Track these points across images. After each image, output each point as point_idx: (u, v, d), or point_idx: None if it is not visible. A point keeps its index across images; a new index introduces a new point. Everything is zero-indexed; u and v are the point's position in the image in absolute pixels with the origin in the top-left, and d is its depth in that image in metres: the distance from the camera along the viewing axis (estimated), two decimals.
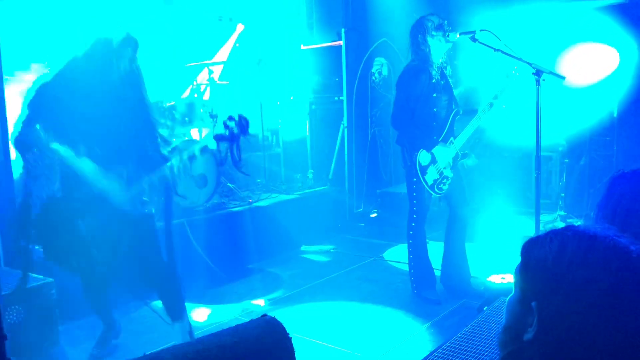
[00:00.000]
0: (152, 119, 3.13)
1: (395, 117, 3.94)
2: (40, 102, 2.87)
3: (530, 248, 1.00)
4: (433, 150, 3.84)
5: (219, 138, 2.96)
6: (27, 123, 2.84)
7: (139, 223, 3.02)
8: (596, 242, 0.93)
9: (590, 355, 0.89)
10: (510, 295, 1.04)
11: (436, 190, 3.87)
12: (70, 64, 2.92)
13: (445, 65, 3.93)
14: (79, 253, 2.94)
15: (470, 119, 3.92)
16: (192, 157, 3.06)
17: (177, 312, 3.20)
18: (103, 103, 2.90)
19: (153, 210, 3.10)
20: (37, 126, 2.84)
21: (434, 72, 3.82)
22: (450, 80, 3.99)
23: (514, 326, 1.00)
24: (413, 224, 4.02)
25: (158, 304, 3.31)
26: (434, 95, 3.84)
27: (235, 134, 2.91)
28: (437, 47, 3.80)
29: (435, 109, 3.87)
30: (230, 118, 2.94)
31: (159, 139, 3.10)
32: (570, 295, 0.91)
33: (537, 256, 0.97)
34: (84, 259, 2.95)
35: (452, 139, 3.91)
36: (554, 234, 0.98)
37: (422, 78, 3.81)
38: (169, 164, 2.99)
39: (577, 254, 0.92)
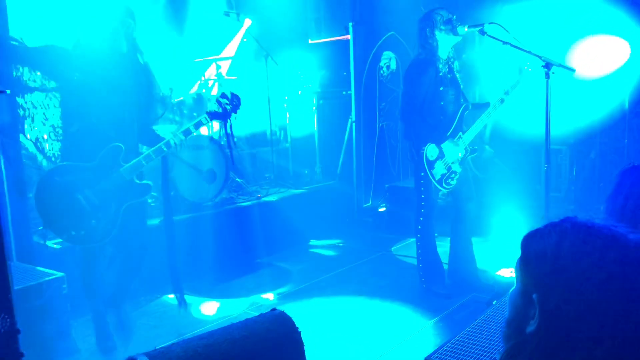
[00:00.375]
0: (155, 91, 3.22)
1: (404, 110, 3.93)
2: (59, 70, 2.97)
3: (530, 241, 1.00)
4: (441, 145, 3.83)
5: (212, 115, 3.04)
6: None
7: (135, 195, 3.07)
8: (593, 232, 0.93)
9: (593, 346, 0.89)
10: (512, 288, 1.04)
11: (444, 185, 3.86)
12: (85, 34, 3.00)
13: (452, 59, 3.91)
14: (78, 224, 2.97)
15: (479, 113, 3.90)
16: (186, 132, 3.10)
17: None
18: (113, 74, 2.97)
19: (151, 184, 3.17)
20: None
21: (440, 66, 3.81)
22: (457, 74, 3.97)
23: (517, 319, 1.01)
24: (421, 219, 4.01)
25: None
26: (441, 88, 3.83)
27: (228, 110, 3.00)
28: (445, 41, 3.78)
29: (442, 103, 3.85)
30: (223, 95, 3.03)
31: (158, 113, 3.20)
32: (570, 286, 0.91)
33: (537, 249, 0.98)
34: (84, 230, 2.98)
35: (460, 133, 3.89)
36: (552, 226, 0.99)
37: (429, 71, 3.79)
38: (165, 140, 3.04)
39: (575, 244, 0.93)
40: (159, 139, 3.14)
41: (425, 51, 3.83)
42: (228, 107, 3.05)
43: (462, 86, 4.00)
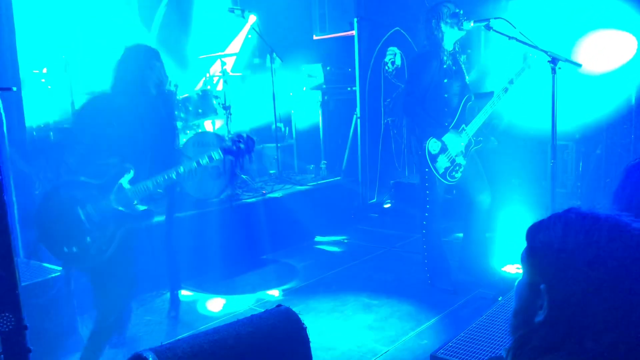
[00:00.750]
0: (175, 125, 3.30)
1: (407, 103, 3.92)
2: (90, 115, 3.09)
3: (535, 233, 1.02)
4: (443, 138, 3.80)
5: (225, 151, 3.08)
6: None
7: (135, 219, 3.06)
8: (598, 222, 0.95)
9: (601, 333, 0.91)
10: (518, 280, 1.06)
11: (448, 178, 3.84)
12: (116, 81, 3.08)
13: (459, 53, 3.90)
14: (72, 240, 2.92)
15: (483, 104, 3.87)
16: (199, 163, 3.10)
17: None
18: (144, 115, 3.07)
19: (153, 211, 3.16)
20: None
21: (445, 58, 3.79)
22: (463, 67, 3.95)
23: (524, 310, 1.02)
24: (427, 214, 4.00)
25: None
26: (445, 80, 3.81)
27: (242, 150, 3.07)
28: (450, 34, 3.77)
29: (446, 95, 3.84)
30: (239, 136, 3.12)
31: (176, 140, 3.30)
32: (578, 275, 0.92)
33: (543, 240, 0.99)
34: (76, 247, 2.93)
35: (463, 125, 3.87)
36: (557, 217, 1.00)
37: (432, 63, 3.78)
38: (174, 169, 3.04)
39: (580, 234, 0.94)
40: (170, 166, 3.13)
41: (430, 43, 3.83)
42: (242, 146, 3.10)
43: (467, 78, 3.97)
